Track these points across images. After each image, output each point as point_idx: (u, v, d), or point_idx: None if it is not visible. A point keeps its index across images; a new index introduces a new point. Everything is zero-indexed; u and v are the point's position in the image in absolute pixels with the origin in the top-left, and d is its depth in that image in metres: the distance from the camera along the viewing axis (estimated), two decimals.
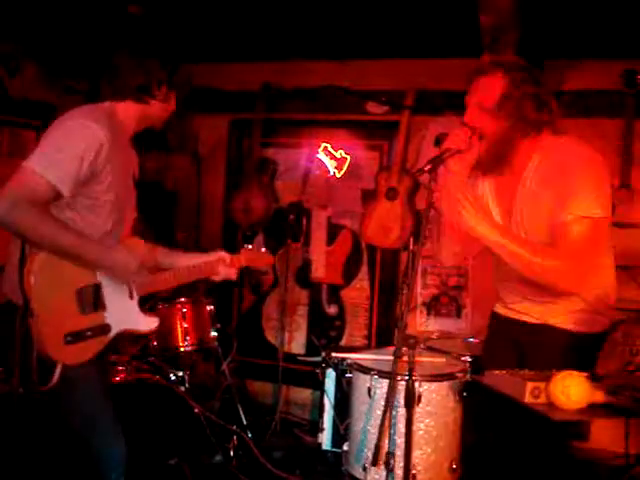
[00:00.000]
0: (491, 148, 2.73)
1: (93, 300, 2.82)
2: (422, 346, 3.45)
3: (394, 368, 2.57)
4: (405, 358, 2.59)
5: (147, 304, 4.13)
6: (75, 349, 2.75)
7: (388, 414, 2.65)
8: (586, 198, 2.65)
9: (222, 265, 3.24)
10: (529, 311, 2.98)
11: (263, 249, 3.50)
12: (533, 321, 2.97)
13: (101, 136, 2.68)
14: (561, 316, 2.89)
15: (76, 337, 2.74)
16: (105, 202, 2.80)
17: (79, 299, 2.78)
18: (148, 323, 3.08)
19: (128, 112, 2.92)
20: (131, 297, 2.98)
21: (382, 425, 2.61)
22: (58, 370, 2.71)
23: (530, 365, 2.67)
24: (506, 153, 2.79)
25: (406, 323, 2.54)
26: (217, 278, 3.27)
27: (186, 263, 3.21)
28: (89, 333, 2.78)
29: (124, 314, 2.94)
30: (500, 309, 3.18)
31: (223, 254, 3.27)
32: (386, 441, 2.84)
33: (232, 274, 3.27)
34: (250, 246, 3.42)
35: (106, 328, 2.86)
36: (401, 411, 2.95)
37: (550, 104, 2.78)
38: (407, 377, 2.66)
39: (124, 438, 2.94)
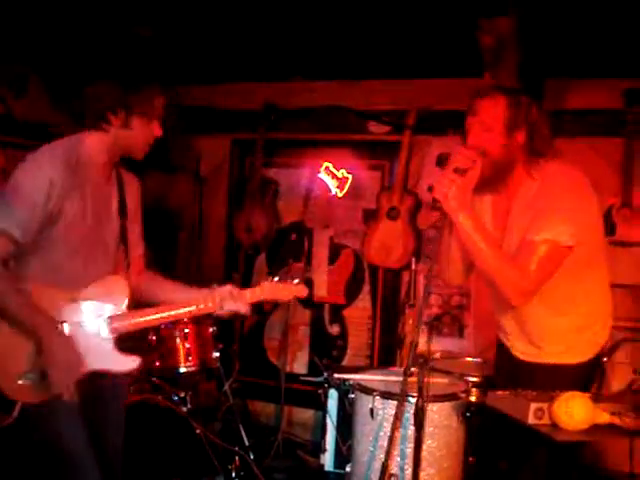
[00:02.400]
0: (491, 167, 2.74)
1: None
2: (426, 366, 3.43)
3: (403, 389, 2.57)
4: (411, 378, 2.59)
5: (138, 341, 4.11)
6: (30, 388, 2.65)
7: (394, 435, 2.63)
8: (556, 223, 2.68)
9: (227, 301, 2.94)
10: (521, 349, 3.00)
11: (296, 280, 3.11)
12: (525, 358, 2.99)
13: (49, 174, 2.59)
14: (551, 353, 2.90)
15: (29, 377, 2.65)
16: (68, 240, 2.72)
17: (37, 344, 2.65)
18: (125, 363, 2.87)
19: (93, 142, 2.79)
20: (102, 336, 2.80)
21: (389, 447, 2.61)
22: (17, 407, 2.64)
23: None
24: (504, 173, 2.82)
25: (417, 342, 2.54)
26: (222, 313, 2.99)
27: (180, 300, 2.99)
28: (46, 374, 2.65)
29: (94, 354, 2.76)
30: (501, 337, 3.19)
31: (230, 291, 2.96)
32: (390, 463, 2.84)
33: (242, 309, 2.98)
34: (276, 278, 3.06)
35: None
36: (403, 432, 2.94)
37: (549, 131, 2.81)
38: (412, 398, 2.66)
39: (99, 470, 2.77)
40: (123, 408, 3.12)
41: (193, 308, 2.93)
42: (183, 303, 2.94)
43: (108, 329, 2.81)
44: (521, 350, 3.00)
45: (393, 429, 2.63)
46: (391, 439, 2.63)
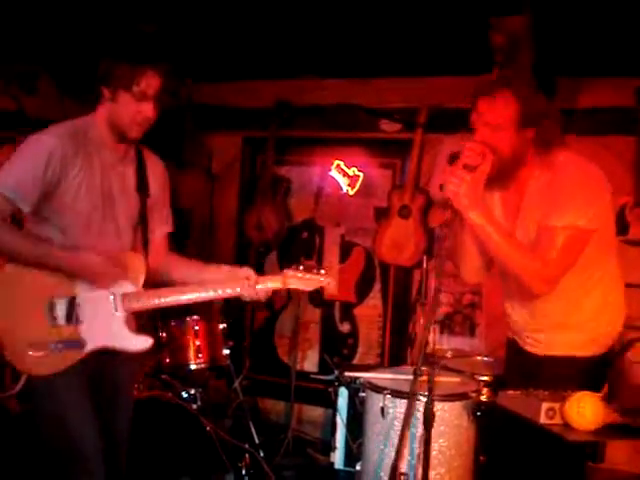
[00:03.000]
0: (500, 163, 2.72)
1: (66, 313, 2.74)
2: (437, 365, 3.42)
3: (412, 388, 2.57)
4: (422, 377, 2.58)
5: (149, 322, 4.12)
6: (40, 360, 2.69)
7: (405, 434, 2.63)
8: (573, 208, 2.67)
9: (245, 285, 2.88)
10: (533, 341, 2.98)
11: (322, 271, 2.98)
12: (537, 352, 2.97)
13: (50, 146, 2.66)
14: (563, 344, 2.89)
15: (40, 348, 2.68)
16: (78, 213, 2.75)
17: (50, 311, 2.72)
18: (137, 342, 2.85)
19: (100, 117, 2.83)
20: (115, 313, 2.80)
21: (399, 446, 2.60)
22: (22, 379, 2.68)
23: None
24: (513, 169, 2.80)
25: (427, 341, 2.53)
26: (242, 297, 2.93)
27: (200, 279, 2.96)
28: (58, 346, 2.70)
29: (105, 330, 2.78)
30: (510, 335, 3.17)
31: (247, 275, 2.91)
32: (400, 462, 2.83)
33: (258, 296, 2.90)
34: (301, 267, 2.95)
35: (80, 342, 2.74)
36: (414, 431, 2.93)
37: (558, 121, 2.79)
38: (423, 397, 2.65)
39: (104, 466, 2.76)
40: (133, 392, 3.14)
41: (209, 292, 2.89)
42: (200, 286, 2.90)
43: (121, 306, 2.80)
44: (532, 343, 2.98)
45: (403, 428, 2.63)
46: (401, 438, 2.63)
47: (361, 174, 5.52)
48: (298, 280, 2.92)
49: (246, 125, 5.93)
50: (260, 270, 5.84)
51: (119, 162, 2.89)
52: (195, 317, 4.41)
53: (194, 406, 4.28)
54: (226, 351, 4.49)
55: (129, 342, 2.83)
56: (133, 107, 2.74)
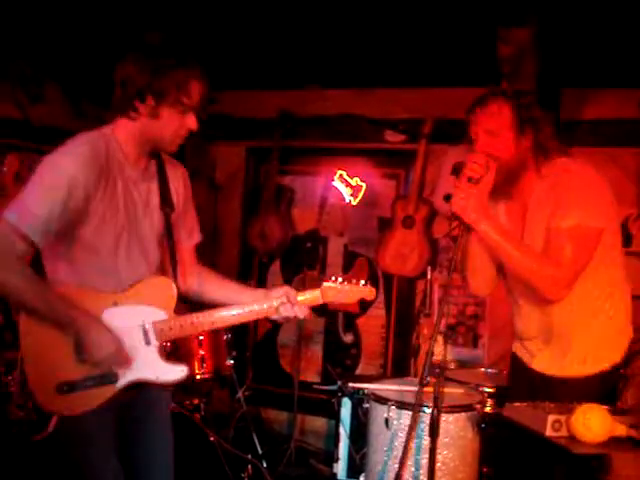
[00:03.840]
0: (502, 173, 2.74)
1: None
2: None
3: (418, 399, 2.56)
4: (427, 389, 2.57)
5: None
6: (71, 399, 2.49)
7: (408, 445, 2.62)
8: (579, 207, 2.68)
9: (284, 305, 2.69)
10: (544, 362, 2.97)
11: (362, 282, 2.78)
12: (546, 372, 2.96)
13: (71, 173, 2.39)
14: (573, 360, 2.88)
15: (72, 387, 2.49)
16: (101, 241, 2.54)
17: (78, 346, 2.49)
18: (172, 372, 2.64)
19: (124, 133, 2.56)
20: (147, 343, 2.60)
21: (403, 458, 2.59)
22: (53, 421, 2.50)
23: None
24: (515, 178, 2.82)
25: (433, 352, 2.52)
26: (276, 318, 2.74)
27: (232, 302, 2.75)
28: (89, 383, 2.50)
29: (138, 362, 2.57)
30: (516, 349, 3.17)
31: (287, 292, 2.71)
32: (405, 473, 2.83)
33: (300, 314, 2.70)
34: (340, 279, 2.75)
35: (112, 377, 2.53)
36: (418, 442, 2.92)
37: (551, 127, 2.83)
38: (428, 408, 2.64)
39: None
40: (170, 422, 2.91)
41: (246, 313, 2.69)
42: (235, 308, 2.69)
43: (153, 335, 2.60)
44: (544, 364, 2.96)
45: (407, 439, 2.62)
46: (405, 449, 2.62)
47: (363, 184, 5.53)
48: (338, 293, 2.73)
49: (250, 135, 5.95)
50: (263, 279, 5.90)
51: (141, 178, 2.66)
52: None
53: (197, 416, 4.27)
54: (230, 362, 4.48)
55: (164, 373, 2.63)
56: (177, 121, 2.53)
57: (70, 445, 2.58)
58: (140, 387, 2.63)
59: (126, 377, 2.56)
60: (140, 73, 2.46)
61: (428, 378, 2.52)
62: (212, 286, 2.93)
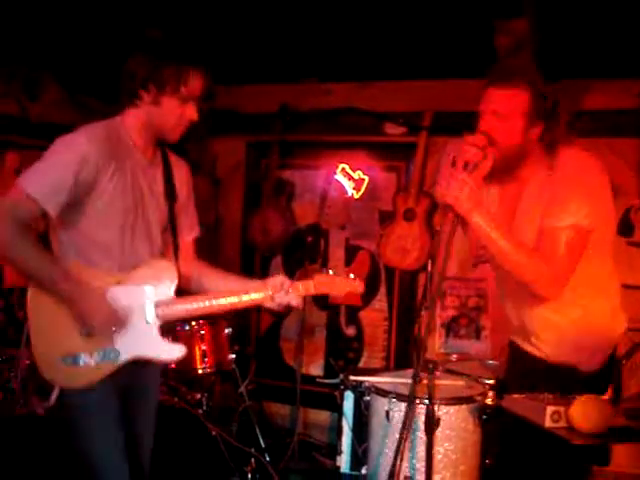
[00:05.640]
0: (502, 157, 2.66)
1: None
2: (441, 369, 3.41)
3: (412, 392, 2.56)
4: (424, 382, 2.57)
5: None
6: (73, 372, 2.60)
7: (405, 438, 2.63)
8: (574, 208, 2.65)
9: (279, 292, 2.81)
10: (535, 343, 2.99)
11: (352, 275, 2.92)
12: (537, 354, 2.98)
13: (84, 149, 2.53)
14: (564, 348, 2.88)
15: (74, 360, 2.59)
16: (112, 217, 2.65)
17: (75, 315, 2.60)
18: (170, 351, 2.78)
19: (131, 121, 2.73)
20: (148, 322, 2.71)
21: (397, 449, 2.60)
22: (55, 393, 2.62)
23: None
24: (514, 165, 2.77)
25: (426, 347, 2.52)
26: (272, 306, 2.85)
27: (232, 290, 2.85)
28: (91, 357, 2.61)
29: (138, 340, 2.69)
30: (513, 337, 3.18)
31: (281, 281, 2.82)
32: (405, 465, 2.83)
33: (293, 302, 2.83)
34: (331, 271, 2.89)
35: (113, 353, 2.65)
36: (419, 435, 2.93)
37: (566, 118, 2.79)
38: (426, 401, 2.65)
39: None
40: (158, 396, 3.06)
41: (242, 298, 2.80)
42: (232, 292, 2.82)
43: (155, 315, 2.72)
44: (535, 343, 2.98)
45: (403, 431, 2.63)
46: (400, 441, 2.63)
47: (366, 177, 5.52)
48: (329, 285, 2.86)
49: (250, 129, 5.94)
50: (265, 273, 5.90)
51: (149, 165, 2.80)
52: (201, 321, 4.40)
53: (200, 410, 4.28)
54: (232, 356, 4.49)
55: (163, 351, 2.77)
56: (178, 110, 2.68)
57: (72, 419, 2.66)
58: (139, 367, 2.73)
59: (127, 353, 2.66)
60: (143, 64, 2.63)
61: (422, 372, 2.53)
62: (210, 277, 3.02)
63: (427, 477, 2.63)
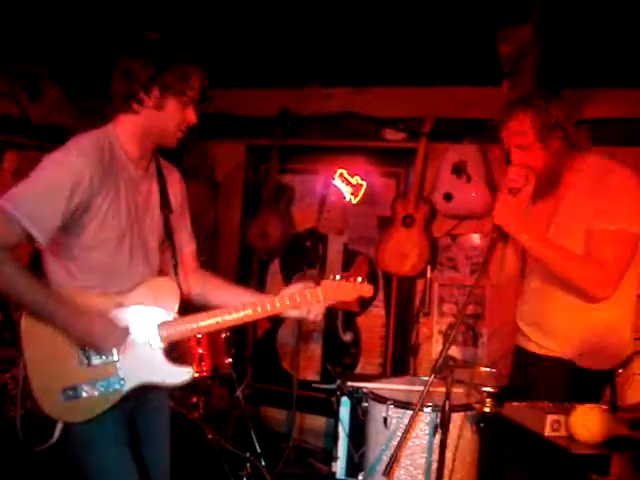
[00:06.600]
0: (542, 178, 2.84)
1: (99, 351, 2.49)
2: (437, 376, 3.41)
3: (421, 399, 2.59)
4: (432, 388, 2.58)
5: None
6: (76, 405, 2.45)
7: (405, 445, 2.63)
8: (625, 212, 2.75)
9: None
10: (536, 338, 3.04)
11: (359, 278, 2.76)
12: (538, 351, 3.02)
13: (77, 170, 2.36)
14: (567, 346, 2.93)
15: (75, 392, 2.44)
16: (104, 240, 2.49)
17: (82, 349, 2.47)
18: (178, 375, 2.59)
19: (126, 129, 2.55)
20: (153, 345, 2.56)
21: (394, 455, 2.60)
22: (58, 427, 2.45)
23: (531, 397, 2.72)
24: (555, 181, 2.90)
25: (448, 346, 2.60)
26: (289, 315, 2.77)
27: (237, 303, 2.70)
28: (93, 387, 2.46)
29: (143, 365, 2.53)
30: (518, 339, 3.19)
31: (292, 291, 2.70)
32: (401, 472, 2.82)
33: (311, 314, 2.73)
34: (338, 277, 2.72)
35: (117, 382, 2.50)
36: (418, 442, 2.92)
37: (575, 121, 2.90)
38: (427, 408, 2.64)
39: None
40: (169, 424, 2.87)
41: (250, 312, 2.64)
42: (240, 306, 2.65)
43: (159, 337, 2.56)
44: (538, 338, 3.04)
45: (402, 438, 2.64)
46: (398, 447, 2.64)
47: (364, 183, 5.51)
48: (337, 291, 2.71)
49: (250, 133, 5.93)
50: (263, 277, 5.89)
51: (143, 178, 2.64)
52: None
53: (196, 414, 4.27)
54: (229, 360, 4.47)
55: (169, 375, 2.59)
56: (180, 114, 2.55)
57: (78, 455, 2.52)
58: (146, 390, 2.59)
59: (132, 381, 2.52)
60: (145, 66, 2.48)
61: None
62: (216, 290, 2.89)
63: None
